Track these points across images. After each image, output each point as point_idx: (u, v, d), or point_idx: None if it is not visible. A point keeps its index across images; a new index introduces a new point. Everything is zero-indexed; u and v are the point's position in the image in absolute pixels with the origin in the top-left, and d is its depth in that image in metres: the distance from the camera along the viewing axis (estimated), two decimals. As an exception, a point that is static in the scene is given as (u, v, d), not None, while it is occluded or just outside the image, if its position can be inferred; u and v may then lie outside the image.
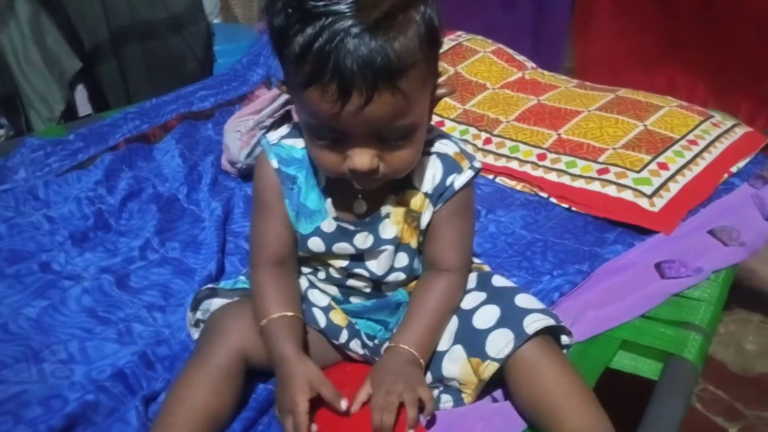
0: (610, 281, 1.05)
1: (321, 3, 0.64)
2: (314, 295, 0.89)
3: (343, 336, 0.87)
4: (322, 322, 0.87)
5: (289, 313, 0.82)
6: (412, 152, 0.74)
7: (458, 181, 0.81)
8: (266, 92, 1.68)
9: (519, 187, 1.39)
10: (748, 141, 1.43)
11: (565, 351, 0.85)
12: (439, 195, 0.81)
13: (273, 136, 0.85)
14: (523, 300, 0.81)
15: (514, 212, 1.30)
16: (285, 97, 1.48)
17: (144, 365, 0.90)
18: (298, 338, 0.81)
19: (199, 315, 0.93)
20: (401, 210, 0.82)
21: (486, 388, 0.81)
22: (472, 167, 0.82)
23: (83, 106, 2.07)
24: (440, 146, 0.83)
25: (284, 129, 0.86)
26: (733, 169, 1.35)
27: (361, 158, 0.70)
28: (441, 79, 0.77)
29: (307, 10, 0.64)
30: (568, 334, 0.84)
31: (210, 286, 0.92)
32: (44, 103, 1.92)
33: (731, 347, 1.61)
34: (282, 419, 0.76)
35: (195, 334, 0.93)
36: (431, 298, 0.82)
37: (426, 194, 0.82)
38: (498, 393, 0.83)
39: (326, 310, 0.88)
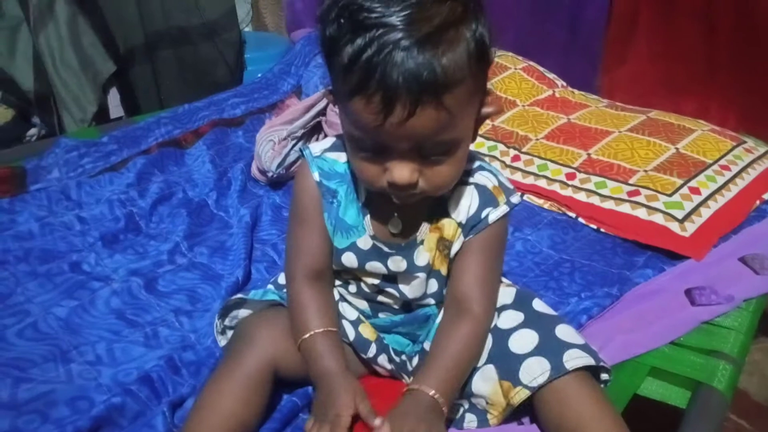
0: (639, 306, 1.04)
1: (373, 15, 0.64)
2: (344, 308, 0.89)
3: (372, 350, 0.87)
4: (351, 335, 0.87)
5: (332, 329, 0.83)
6: (452, 169, 0.73)
7: (493, 215, 0.81)
8: (296, 102, 1.70)
9: (547, 205, 1.38)
10: (782, 168, 1.41)
11: (602, 386, 0.81)
12: (472, 226, 0.81)
13: (316, 148, 0.85)
14: (564, 332, 0.80)
15: (542, 231, 1.29)
16: (317, 108, 1.50)
17: (170, 370, 0.90)
18: (341, 354, 0.82)
19: (227, 322, 0.93)
20: (434, 237, 0.82)
21: (513, 412, 0.80)
22: (508, 202, 0.81)
23: (115, 109, 2.10)
24: (480, 177, 0.82)
25: (327, 141, 0.86)
26: (766, 197, 1.33)
27: (401, 171, 0.70)
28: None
29: (359, 21, 0.65)
30: (608, 371, 0.81)
31: (239, 295, 0.92)
32: (77, 104, 1.95)
33: (755, 376, 1.58)
34: (313, 429, 0.75)
35: (221, 341, 0.94)
36: (454, 345, 0.79)
37: (460, 224, 0.81)
38: (525, 417, 0.82)
39: (355, 323, 0.88)
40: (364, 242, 0.82)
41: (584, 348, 0.78)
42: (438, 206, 0.80)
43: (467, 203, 0.81)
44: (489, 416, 0.80)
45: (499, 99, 1.66)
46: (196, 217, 1.30)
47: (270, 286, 0.94)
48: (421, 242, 0.82)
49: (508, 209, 0.81)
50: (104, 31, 2.01)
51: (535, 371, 0.76)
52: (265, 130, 1.46)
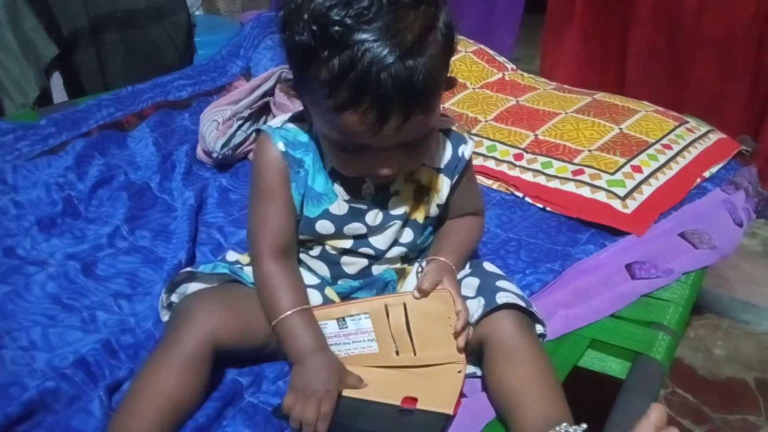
0: (581, 281, 1.05)
1: (353, 27, 0.64)
2: (304, 275, 0.89)
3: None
4: (317, 299, 0.87)
5: (305, 306, 0.83)
6: (427, 149, 0.79)
7: (467, 150, 0.88)
8: (245, 84, 1.66)
9: (495, 186, 1.39)
10: (722, 147, 1.45)
11: (540, 339, 0.86)
12: (454, 167, 0.87)
13: (275, 121, 0.86)
14: (504, 283, 0.85)
15: (490, 211, 1.30)
16: (264, 88, 1.47)
17: (107, 353, 0.87)
18: (319, 330, 0.82)
19: (174, 298, 0.91)
20: (411, 186, 0.86)
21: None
22: (470, 136, 0.89)
23: (58, 94, 2.03)
24: (441, 123, 0.86)
25: (284, 116, 0.87)
26: (706, 174, 1.36)
27: (388, 168, 0.74)
28: None
29: (338, 34, 0.64)
30: (542, 324, 0.86)
31: (189, 269, 0.91)
32: (18, 89, 1.87)
33: (700, 352, 1.62)
34: (297, 404, 0.76)
35: (164, 316, 0.92)
36: (461, 231, 0.90)
37: (438, 170, 0.86)
38: (467, 388, 0.83)
39: (320, 287, 0.89)
40: (338, 207, 0.84)
41: (519, 296, 0.83)
42: None
43: (440, 149, 0.86)
44: None
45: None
46: (137, 200, 1.26)
47: (220, 262, 0.92)
48: (396, 192, 0.85)
49: (473, 141, 0.90)
50: (46, 13, 1.93)
51: (472, 309, 0.81)
52: (210, 110, 1.43)
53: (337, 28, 0.64)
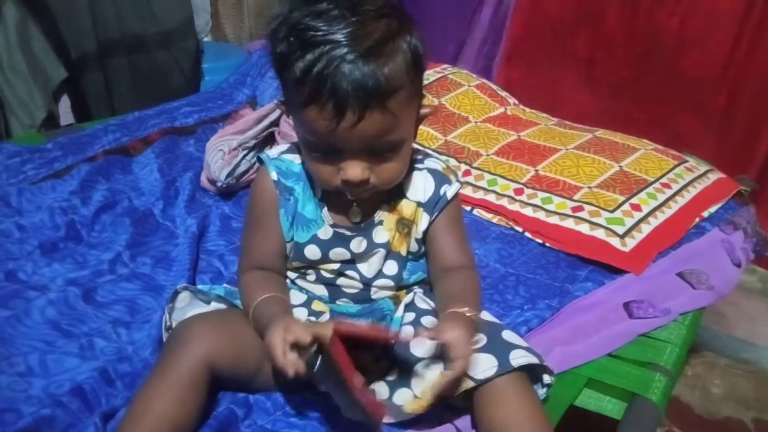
0: (578, 318, 1.06)
1: (319, 33, 0.72)
2: (292, 295, 0.91)
3: (324, 318, 0.89)
4: (303, 315, 0.89)
5: (277, 294, 0.86)
6: (399, 165, 0.82)
7: (450, 191, 0.90)
8: (251, 112, 1.68)
9: (495, 220, 1.40)
10: (721, 187, 1.46)
11: (546, 389, 0.86)
12: (434, 204, 0.90)
13: (273, 151, 0.92)
14: (510, 335, 0.85)
15: (490, 245, 1.31)
16: (270, 119, 1.49)
17: (104, 382, 0.88)
18: (285, 308, 0.85)
19: (173, 322, 0.92)
20: (393, 218, 0.89)
21: (449, 416, 0.83)
22: (458, 180, 0.92)
23: (65, 116, 2.05)
24: (430, 163, 0.92)
25: (283, 146, 0.93)
26: (705, 214, 1.37)
27: (354, 170, 0.78)
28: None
29: (307, 39, 0.73)
30: (550, 373, 0.86)
31: (186, 285, 0.95)
32: (25, 110, 1.89)
33: (697, 390, 1.62)
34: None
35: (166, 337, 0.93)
36: (462, 283, 0.88)
37: (419, 204, 0.90)
38: (461, 423, 0.83)
39: (306, 303, 0.90)
40: (324, 232, 0.88)
41: (528, 350, 0.83)
42: (395, 190, 0.88)
43: (423, 186, 0.90)
44: (415, 401, 0.80)
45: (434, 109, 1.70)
46: (140, 226, 1.27)
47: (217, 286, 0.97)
48: (380, 222, 0.89)
49: (460, 186, 0.92)
50: (55, 36, 1.96)
51: (483, 365, 0.79)
52: (216, 139, 1.45)
53: (308, 33, 0.73)
